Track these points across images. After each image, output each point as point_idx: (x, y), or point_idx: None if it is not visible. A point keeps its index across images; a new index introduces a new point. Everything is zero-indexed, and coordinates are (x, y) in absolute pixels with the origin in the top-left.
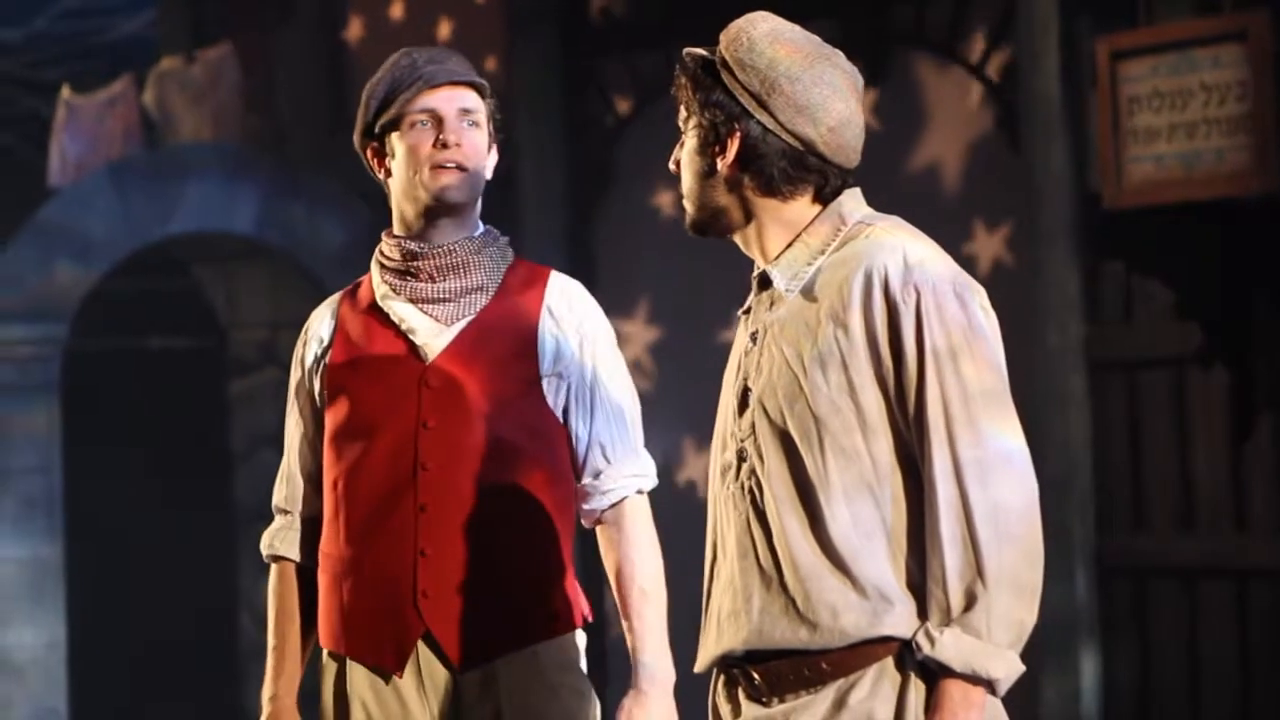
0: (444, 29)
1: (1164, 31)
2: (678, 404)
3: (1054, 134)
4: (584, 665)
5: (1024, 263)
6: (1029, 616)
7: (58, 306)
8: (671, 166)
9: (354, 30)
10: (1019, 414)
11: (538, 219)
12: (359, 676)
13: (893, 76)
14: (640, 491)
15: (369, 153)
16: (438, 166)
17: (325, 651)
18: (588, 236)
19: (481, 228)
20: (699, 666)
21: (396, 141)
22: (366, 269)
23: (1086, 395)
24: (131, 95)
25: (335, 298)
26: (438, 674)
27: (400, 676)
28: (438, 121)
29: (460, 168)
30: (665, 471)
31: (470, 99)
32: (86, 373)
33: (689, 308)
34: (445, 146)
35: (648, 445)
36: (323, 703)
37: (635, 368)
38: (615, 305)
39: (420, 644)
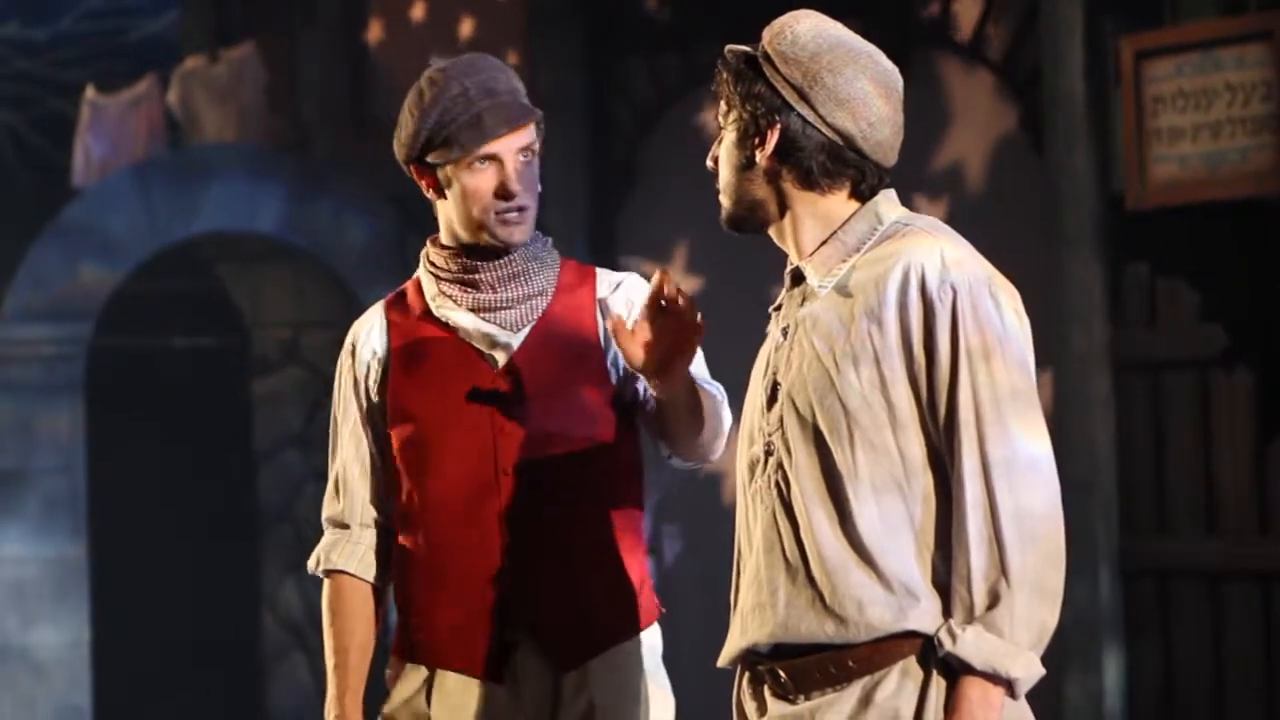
0: (466, 28)
1: (1188, 31)
2: None
3: (1078, 134)
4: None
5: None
6: (1051, 618)
7: (82, 306)
8: (709, 163)
9: (375, 31)
10: (1043, 415)
11: (561, 218)
12: (447, 685)
13: (916, 76)
14: (712, 395)
15: (414, 169)
16: (502, 215)
17: (405, 663)
18: (611, 236)
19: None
20: (723, 660)
21: (452, 175)
22: (390, 269)
23: (1110, 397)
24: (155, 95)
25: (380, 308)
26: (533, 677)
27: (499, 684)
28: (498, 164)
29: (523, 209)
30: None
31: (528, 134)
32: (110, 372)
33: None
34: (509, 197)
35: None
36: (398, 711)
37: None
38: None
39: (518, 649)
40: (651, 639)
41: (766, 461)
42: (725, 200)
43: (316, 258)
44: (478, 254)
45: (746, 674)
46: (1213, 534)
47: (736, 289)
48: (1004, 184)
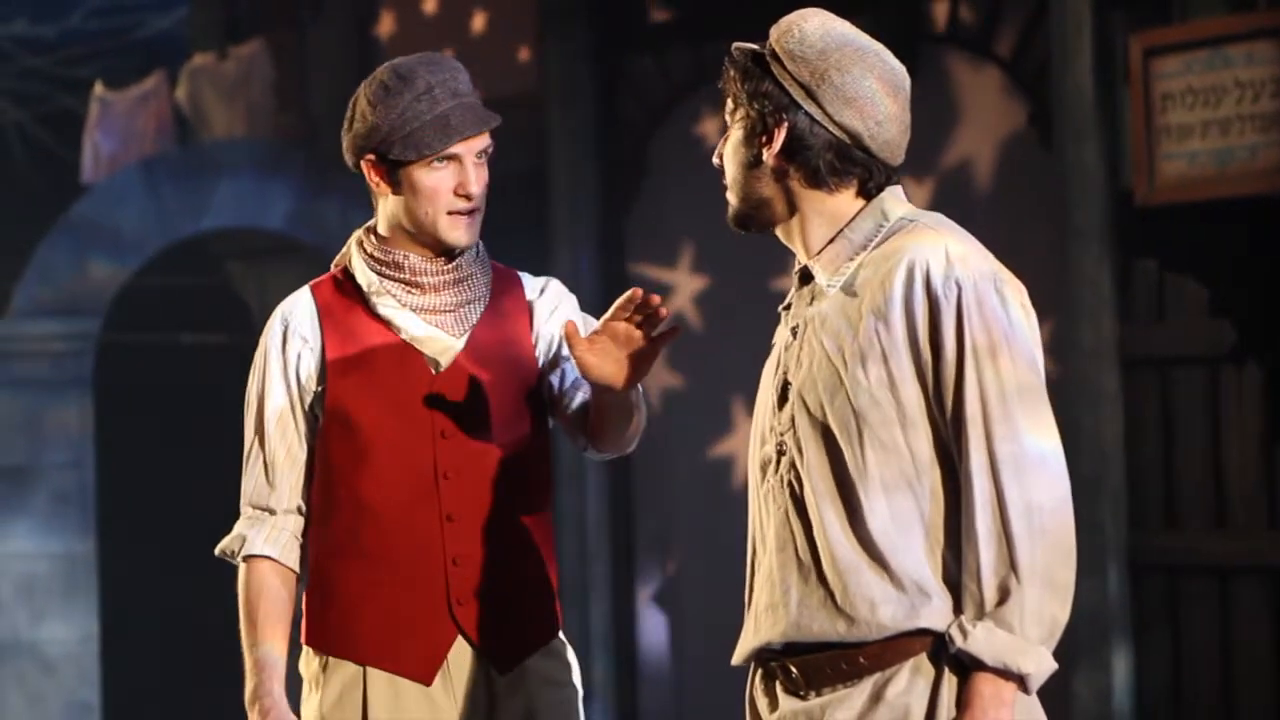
0: (478, 22)
1: (1197, 28)
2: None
3: (1087, 131)
4: None
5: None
6: (1062, 613)
7: (91, 302)
8: (715, 161)
9: (385, 26)
10: (1052, 411)
11: (569, 215)
12: (379, 685)
13: (925, 73)
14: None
15: (366, 164)
16: (454, 213)
17: (326, 657)
18: (620, 234)
19: None
20: (737, 659)
21: (409, 172)
22: None
23: (1119, 393)
24: (164, 91)
25: (308, 294)
26: (469, 678)
27: (429, 685)
28: (458, 164)
29: (474, 211)
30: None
31: (487, 138)
32: (119, 368)
33: (712, 314)
34: (467, 197)
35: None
36: (328, 711)
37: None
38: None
39: (452, 651)
40: (561, 635)
41: (778, 461)
42: (732, 198)
43: (325, 254)
44: (422, 253)
45: (759, 671)
46: (1221, 530)
47: (744, 286)
48: (1013, 181)
